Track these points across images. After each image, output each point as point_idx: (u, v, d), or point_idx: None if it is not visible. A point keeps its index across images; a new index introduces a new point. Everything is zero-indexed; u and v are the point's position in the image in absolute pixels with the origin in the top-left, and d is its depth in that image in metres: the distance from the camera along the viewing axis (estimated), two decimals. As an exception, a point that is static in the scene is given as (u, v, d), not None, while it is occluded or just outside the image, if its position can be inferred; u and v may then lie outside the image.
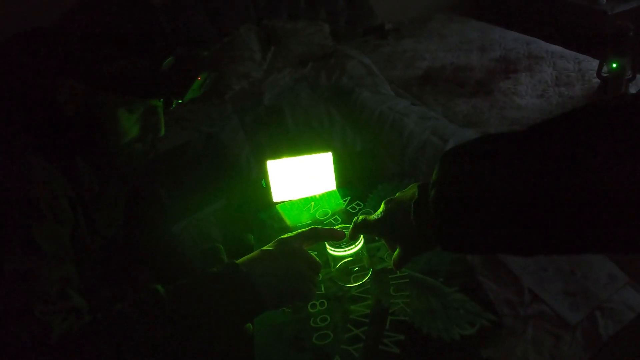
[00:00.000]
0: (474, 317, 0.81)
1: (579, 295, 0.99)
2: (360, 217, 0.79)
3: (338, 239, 0.86)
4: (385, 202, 0.74)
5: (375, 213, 0.75)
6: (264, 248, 0.78)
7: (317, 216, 1.22)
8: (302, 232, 0.81)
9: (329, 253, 0.93)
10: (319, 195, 1.28)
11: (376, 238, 1.04)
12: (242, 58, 2.61)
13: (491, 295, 0.86)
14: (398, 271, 0.96)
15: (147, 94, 0.84)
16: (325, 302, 0.93)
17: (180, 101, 0.92)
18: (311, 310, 0.91)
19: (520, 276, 1.05)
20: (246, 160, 1.83)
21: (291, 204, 1.28)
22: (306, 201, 1.28)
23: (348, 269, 0.95)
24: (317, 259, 0.80)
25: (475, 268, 1.05)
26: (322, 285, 0.96)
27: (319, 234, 0.84)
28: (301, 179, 1.27)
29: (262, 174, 1.30)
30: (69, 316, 0.64)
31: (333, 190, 1.29)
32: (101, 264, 0.93)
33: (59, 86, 0.79)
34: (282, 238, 0.80)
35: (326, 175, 1.27)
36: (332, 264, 0.96)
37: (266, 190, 1.29)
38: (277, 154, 1.28)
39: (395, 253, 0.75)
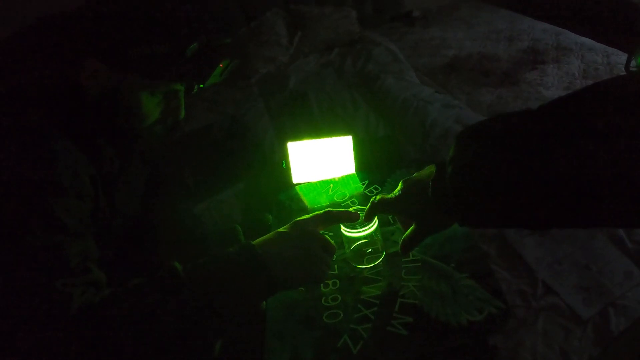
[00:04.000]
0: (483, 303, 0.82)
1: (593, 291, 0.99)
2: (378, 197, 0.80)
3: (353, 221, 0.87)
4: (403, 181, 0.75)
5: (393, 192, 0.76)
6: (280, 230, 0.79)
7: (335, 198, 1.23)
8: (318, 214, 0.82)
9: (343, 234, 0.94)
10: (338, 178, 1.29)
11: (391, 221, 1.06)
12: (269, 42, 2.62)
13: (503, 285, 0.86)
14: (410, 254, 0.97)
15: (170, 78, 0.85)
16: (338, 282, 0.95)
17: (201, 86, 0.93)
18: (323, 290, 0.93)
19: (535, 268, 1.05)
20: (270, 143, 1.84)
21: (310, 185, 1.29)
22: (325, 183, 1.29)
23: (362, 251, 0.96)
24: (331, 241, 0.81)
25: (489, 257, 1.05)
26: (336, 266, 0.98)
27: (334, 216, 0.85)
28: (321, 161, 1.28)
29: (283, 155, 1.31)
30: (89, 289, 0.66)
31: (352, 174, 1.30)
32: (120, 241, 0.95)
33: (83, 68, 0.80)
34: (297, 220, 0.81)
35: (346, 159, 1.28)
36: (347, 245, 0.97)
37: (286, 172, 1.30)
38: (298, 136, 1.28)
39: (407, 232, 0.76)
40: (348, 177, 1.29)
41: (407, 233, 0.76)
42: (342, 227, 0.93)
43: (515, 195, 0.51)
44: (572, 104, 0.48)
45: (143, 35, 0.80)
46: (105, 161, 0.85)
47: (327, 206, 1.20)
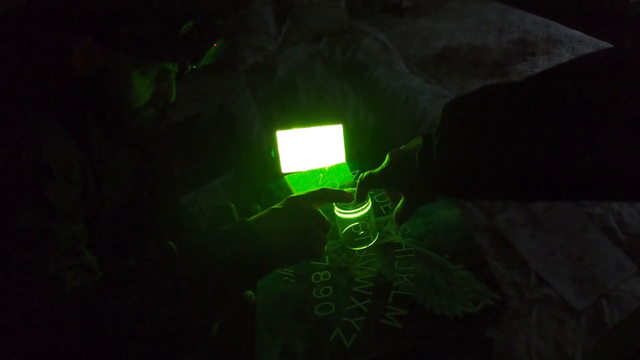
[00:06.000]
0: (479, 295, 0.80)
1: (586, 282, 0.99)
2: (365, 173, 0.79)
3: (347, 201, 0.87)
4: (390, 154, 0.75)
5: (380, 166, 0.76)
6: (274, 207, 0.79)
7: (325, 188, 1.21)
8: (312, 191, 0.82)
9: (337, 216, 0.93)
10: (328, 168, 1.27)
11: (383, 212, 1.05)
12: (257, 31, 2.58)
13: (496, 276, 0.85)
14: (404, 245, 0.95)
15: (164, 57, 0.84)
16: (329, 273, 0.92)
17: (194, 67, 0.92)
18: (314, 281, 0.91)
19: (527, 259, 1.05)
20: (257, 133, 1.82)
21: (300, 175, 1.27)
22: (315, 173, 1.26)
23: (355, 233, 0.96)
24: (326, 217, 0.81)
25: (482, 248, 1.04)
26: (327, 257, 0.96)
27: (329, 195, 0.85)
28: (311, 150, 1.26)
29: (272, 145, 1.29)
30: (81, 272, 0.66)
31: (342, 163, 1.28)
32: (109, 227, 0.93)
33: (74, 47, 0.78)
34: (291, 197, 0.81)
35: (336, 148, 1.26)
36: (340, 227, 0.96)
37: (275, 161, 1.28)
38: (287, 125, 1.27)
39: (398, 205, 0.76)
40: (338, 166, 1.27)
41: (398, 206, 0.76)
42: (336, 209, 0.92)
43: (501, 167, 0.51)
44: (558, 76, 0.48)
45: (136, 13, 0.79)
46: (94, 145, 0.83)
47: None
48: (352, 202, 0.87)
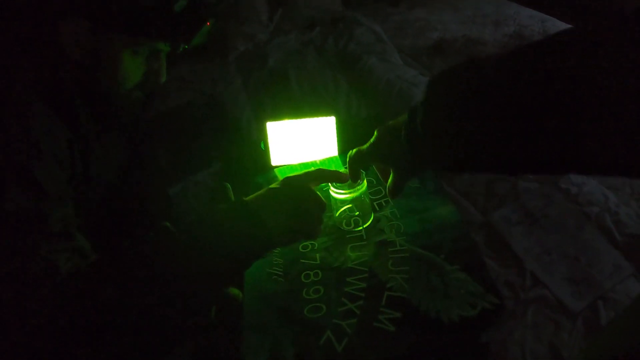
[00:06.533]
0: (476, 298, 0.77)
1: (583, 283, 0.97)
2: (353, 150, 0.80)
3: (342, 181, 0.88)
4: (377, 129, 0.76)
5: (369, 141, 0.76)
6: (271, 186, 0.79)
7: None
8: (308, 171, 0.83)
9: (332, 197, 0.93)
10: (320, 161, 1.23)
11: (376, 208, 1.02)
12: (248, 19, 2.53)
13: (493, 276, 0.83)
14: (398, 244, 0.92)
15: (156, 35, 0.82)
16: (320, 272, 0.89)
17: (186, 47, 0.90)
18: (304, 280, 0.87)
19: (523, 258, 1.03)
20: (247, 123, 1.78)
21: (290, 168, 1.24)
22: (306, 166, 1.23)
23: (351, 214, 0.96)
24: (322, 197, 0.81)
25: (479, 247, 1.01)
26: (317, 255, 0.92)
27: (324, 175, 0.86)
28: (302, 143, 1.22)
29: (262, 136, 1.24)
30: (74, 255, 0.65)
31: (335, 157, 1.24)
32: (97, 213, 0.92)
33: (64, 25, 0.76)
34: (288, 176, 0.81)
35: (328, 141, 1.22)
36: (335, 209, 0.97)
37: (265, 153, 1.24)
38: (278, 116, 1.23)
39: (389, 180, 0.77)
40: (330, 159, 1.23)
41: (389, 182, 0.77)
42: (332, 189, 0.93)
43: (484, 139, 0.51)
44: (542, 48, 0.48)
45: None
46: (82, 126, 0.82)
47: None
48: (347, 182, 0.88)
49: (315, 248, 0.84)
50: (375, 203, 1.03)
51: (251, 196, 0.76)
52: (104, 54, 0.79)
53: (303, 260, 0.92)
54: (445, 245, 0.89)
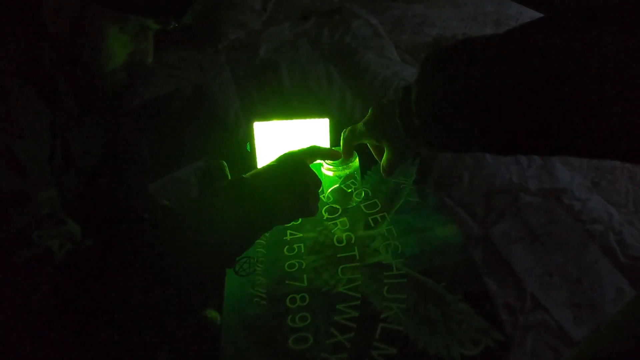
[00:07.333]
0: (479, 334, 0.70)
1: (584, 308, 0.92)
2: (348, 129, 0.83)
3: (335, 159, 0.91)
4: (372, 107, 0.78)
5: (364, 119, 0.78)
6: (269, 163, 0.79)
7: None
8: (304, 149, 0.83)
9: (324, 175, 0.96)
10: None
11: (371, 224, 0.97)
12: (240, 6, 2.45)
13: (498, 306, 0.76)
14: (394, 268, 0.85)
15: (145, 10, 0.76)
16: (307, 296, 0.81)
17: (176, 25, 0.85)
18: (290, 305, 0.80)
19: (523, 279, 0.97)
20: (234, 118, 1.70)
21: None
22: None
23: (343, 191, 0.99)
24: (317, 174, 0.82)
25: (482, 272, 0.95)
26: (305, 276, 0.85)
27: (318, 152, 0.87)
28: (292, 145, 1.12)
29: (248, 137, 1.17)
30: (66, 242, 0.62)
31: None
32: (74, 196, 0.87)
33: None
34: (286, 153, 0.82)
35: (321, 144, 1.13)
36: (326, 187, 1.00)
37: (250, 155, 1.16)
38: (268, 112, 1.16)
39: (384, 158, 0.78)
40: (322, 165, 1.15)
41: (383, 160, 0.79)
42: (325, 166, 0.96)
43: (476, 118, 0.51)
44: (536, 28, 0.48)
45: None
46: (63, 106, 0.79)
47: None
48: (340, 159, 0.91)
49: (303, 268, 0.77)
50: (370, 218, 0.96)
51: (250, 173, 0.76)
52: (89, 29, 0.75)
53: (288, 282, 0.84)
54: (446, 271, 0.82)
